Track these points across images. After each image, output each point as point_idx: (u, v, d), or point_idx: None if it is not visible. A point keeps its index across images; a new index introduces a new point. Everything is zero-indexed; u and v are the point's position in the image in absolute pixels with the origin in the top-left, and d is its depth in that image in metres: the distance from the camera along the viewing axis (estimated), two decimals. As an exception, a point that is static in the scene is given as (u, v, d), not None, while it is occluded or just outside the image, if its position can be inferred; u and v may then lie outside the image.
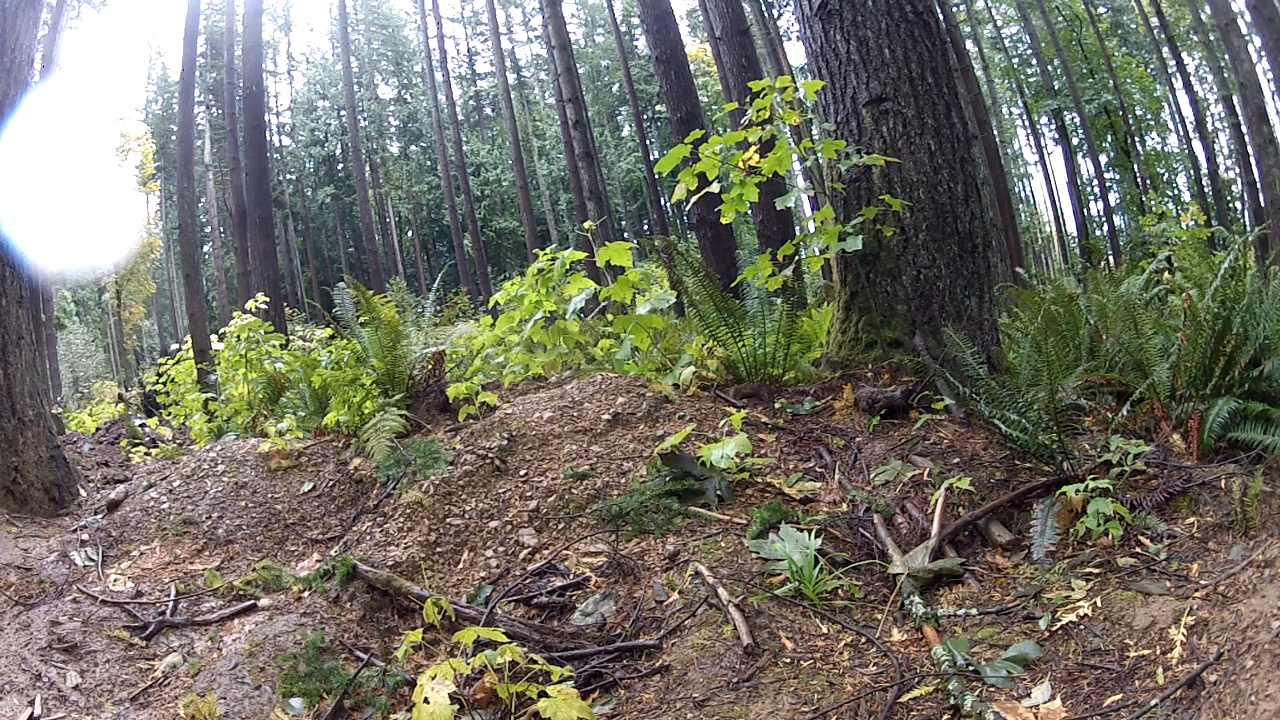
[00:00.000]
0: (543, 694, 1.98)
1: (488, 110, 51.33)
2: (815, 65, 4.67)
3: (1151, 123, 29.73)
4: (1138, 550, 2.50)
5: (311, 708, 2.32)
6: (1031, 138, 34.99)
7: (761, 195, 4.90)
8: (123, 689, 2.39)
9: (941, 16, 7.59)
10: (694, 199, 4.54)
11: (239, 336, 6.55)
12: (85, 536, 3.54)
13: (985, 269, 4.43)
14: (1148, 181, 27.73)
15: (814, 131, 4.71)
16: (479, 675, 2.23)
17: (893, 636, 2.37)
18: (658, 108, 38.61)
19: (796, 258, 4.48)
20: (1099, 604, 2.24)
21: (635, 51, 41.04)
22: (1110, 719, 1.83)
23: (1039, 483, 2.99)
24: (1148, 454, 2.94)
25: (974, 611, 2.43)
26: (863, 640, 2.34)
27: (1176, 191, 30.53)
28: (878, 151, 4.32)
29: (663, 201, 31.68)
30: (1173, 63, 26.06)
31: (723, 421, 3.80)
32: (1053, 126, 30.58)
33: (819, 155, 4.29)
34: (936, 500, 2.96)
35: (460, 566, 3.15)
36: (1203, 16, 20.51)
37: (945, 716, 1.91)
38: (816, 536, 2.76)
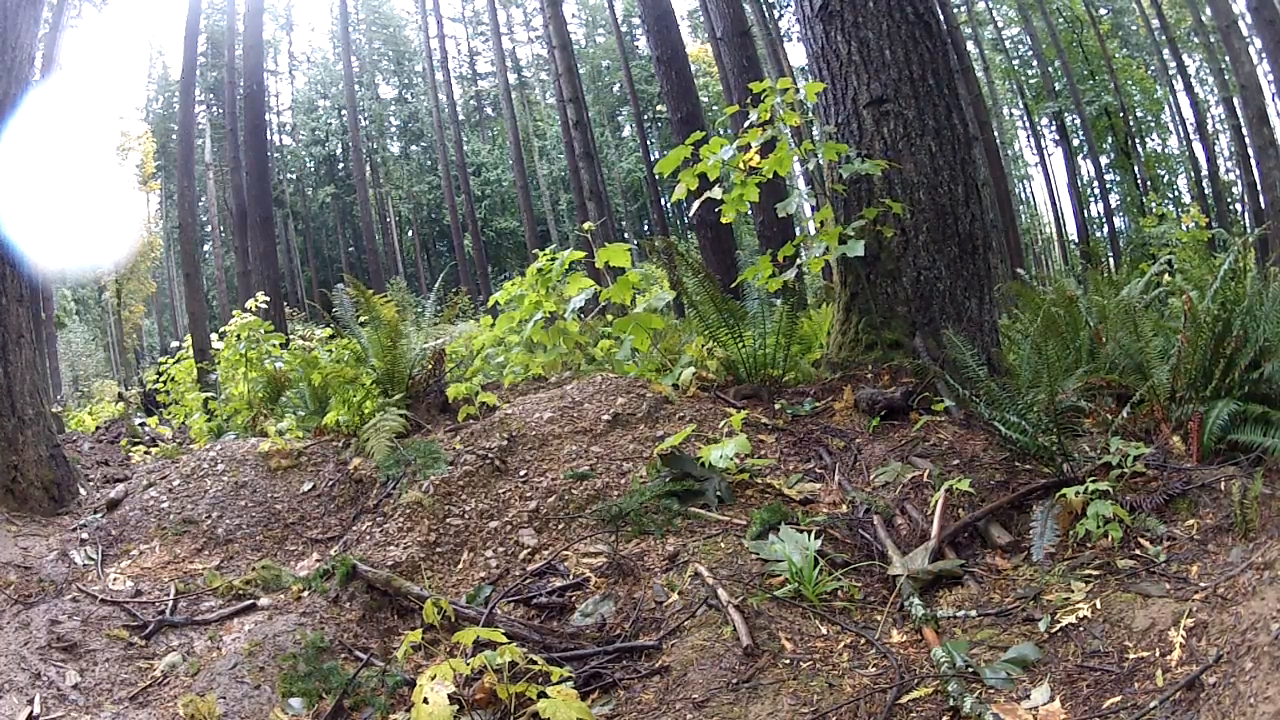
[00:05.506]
0: (542, 694, 1.98)
1: (488, 110, 51.31)
2: (816, 66, 4.67)
3: (1152, 124, 29.77)
4: (1137, 552, 2.50)
5: (311, 708, 2.32)
6: (1032, 139, 35.01)
7: (762, 196, 4.90)
8: (122, 688, 2.39)
9: (942, 18, 7.58)
10: (696, 203, 4.54)
11: (239, 336, 6.55)
12: (85, 535, 3.54)
13: (985, 270, 4.43)
14: (1148, 183, 27.75)
15: (814, 132, 4.71)
16: (478, 675, 2.23)
17: (892, 638, 2.37)
18: (658, 108, 38.57)
19: (797, 259, 4.48)
20: (1098, 606, 2.24)
21: (636, 52, 40.99)
22: (1109, 721, 1.83)
23: (1039, 484, 2.99)
24: (1147, 456, 2.94)
25: (973, 613, 2.43)
26: (862, 641, 2.34)
27: (1177, 193, 30.56)
28: (878, 153, 4.32)
29: (663, 202, 31.67)
30: (1173, 64, 26.08)
31: (723, 422, 3.80)
32: (1053, 128, 30.60)
33: (820, 157, 4.29)
34: (936, 501, 2.96)
35: (460, 566, 3.15)
36: (1203, 18, 20.52)
37: (945, 718, 1.92)
38: (816, 537, 2.76)
